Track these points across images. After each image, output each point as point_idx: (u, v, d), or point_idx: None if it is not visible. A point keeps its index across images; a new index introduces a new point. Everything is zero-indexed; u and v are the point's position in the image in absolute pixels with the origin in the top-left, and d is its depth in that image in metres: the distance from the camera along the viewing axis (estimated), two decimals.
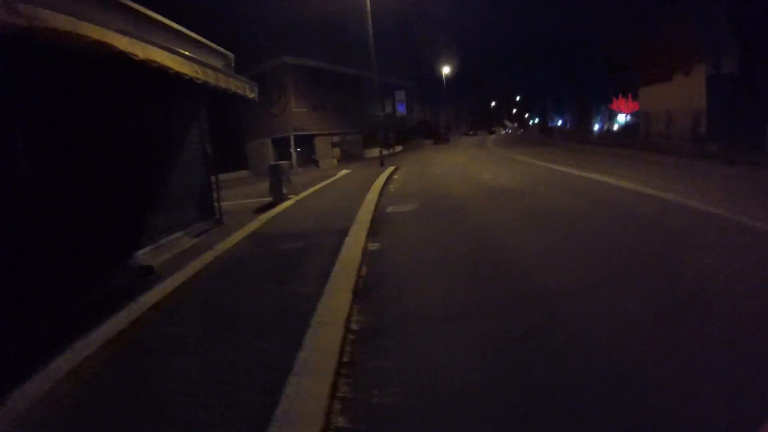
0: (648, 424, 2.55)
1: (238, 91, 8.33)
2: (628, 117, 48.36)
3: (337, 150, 34.15)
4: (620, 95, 50.45)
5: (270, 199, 11.91)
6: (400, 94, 38.03)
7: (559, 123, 69.69)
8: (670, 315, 3.85)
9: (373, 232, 7.96)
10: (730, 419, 2.50)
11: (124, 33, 4.83)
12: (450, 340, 3.76)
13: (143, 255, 6.67)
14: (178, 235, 7.87)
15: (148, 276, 5.94)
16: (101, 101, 6.16)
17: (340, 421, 2.84)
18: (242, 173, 31.15)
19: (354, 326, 4.15)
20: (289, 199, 12.00)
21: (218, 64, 8.78)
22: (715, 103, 24.60)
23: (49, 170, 5.09)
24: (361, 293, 5.01)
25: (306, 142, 33.19)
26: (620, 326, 3.70)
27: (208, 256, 6.78)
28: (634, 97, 41.41)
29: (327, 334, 3.71)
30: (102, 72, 5.83)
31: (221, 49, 9.45)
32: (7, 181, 4.47)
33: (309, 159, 32.49)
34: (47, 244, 4.88)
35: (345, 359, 3.56)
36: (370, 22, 23.01)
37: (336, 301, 4.45)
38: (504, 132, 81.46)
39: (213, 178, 9.53)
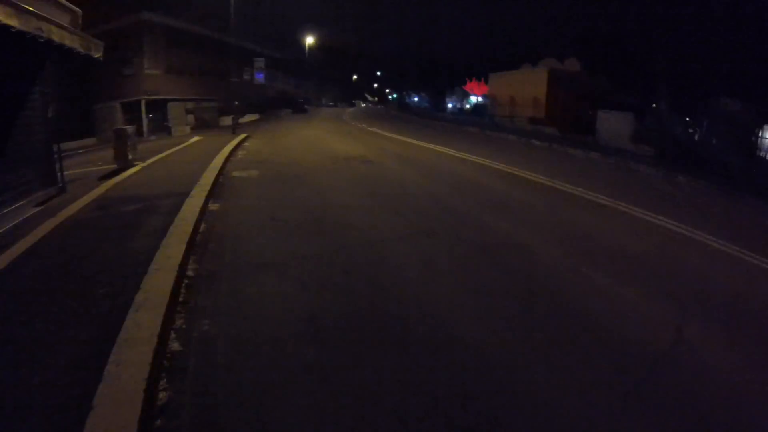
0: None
1: (81, 49, 7.98)
2: (480, 98, 52.95)
3: (191, 117, 32.45)
4: (473, 78, 54.97)
5: (115, 166, 11.50)
6: (259, 62, 37.17)
7: (416, 99, 73.36)
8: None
9: (215, 195, 8.46)
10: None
11: None
12: (276, 281, 4.56)
13: None
14: (21, 203, 7.50)
15: None
16: None
17: (174, 346, 3.47)
18: (89, 140, 28.28)
19: (190, 273, 4.76)
20: (135, 165, 11.65)
21: (64, 20, 8.29)
22: (552, 93, 28.38)
23: None
24: (198, 246, 5.61)
25: (159, 107, 31.03)
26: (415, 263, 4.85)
27: (51, 222, 6.65)
28: (486, 81, 45.48)
29: (162, 278, 4.22)
30: None
31: (68, 3, 8.86)
32: None
33: (162, 126, 30.50)
34: None
35: (181, 299, 4.15)
36: None
37: (172, 251, 4.94)
38: (363, 106, 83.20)
39: (56, 146, 9.05)
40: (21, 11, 6.01)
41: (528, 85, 30.65)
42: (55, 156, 9.09)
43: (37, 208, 7.70)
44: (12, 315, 3.75)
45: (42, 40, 6.47)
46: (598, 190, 9.44)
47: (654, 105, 21.23)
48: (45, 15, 6.78)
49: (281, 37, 56.78)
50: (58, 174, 9.13)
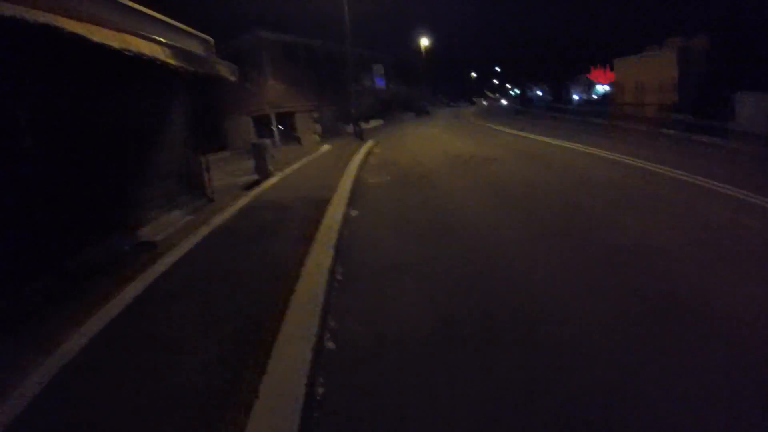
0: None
1: (221, 74, 8.94)
2: (606, 87, 49.45)
3: (318, 126, 34.38)
4: (598, 65, 51.48)
5: (256, 176, 12.58)
6: (378, 68, 38.23)
7: (539, 93, 70.36)
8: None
9: (353, 201, 8.79)
10: None
11: (111, 23, 5.44)
12: (414, 282, 4.74)
13: (146, 231, 7.41)
14: (176, 213, 8.58)
15: (153, 250, 6.69)
16: (97, 88, 6.84)
17: (330, 345, 3.74)
18: (224, 154, 31.20)
19: (338, 276, 5.08)
20: (274, 175, 12.69)
21: (199, 49, 9.36)
22: (685, 75, 25.63)
23: (53, 152, 5.80)
24: (343, 251, 5.93)
25: (287, 119, 33.29)
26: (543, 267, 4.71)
27: (205, 229, 7.50)
28: (612, 68, 42.33)
29: (314, 282, 4.56)
30: (107, 66, 6.52)
31: (201, 34, 9.96)
32: (18, 157, 5.20)
33: (291, 136, 32.70)
34: (59, 214, 5.65)
35: (331, 301, 4.45)
36: None
37: (321, 256, 5.30)
38: (485, 103, 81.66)
39: (203, 159, 10.20)
40: (171, 49, 6.89)
41: (656, 69, 27.87)
42: (203, 168, 10.19)
43: (190, 217, 8.69)
44: (176, 317, 4.31)
45: (183, 71, 7.35)
46: (741, 185, 7.94)
47: None
48: (190, 49, 7.69)
49: (394, 40, 57.87)
50: (207, 185, 10.22)
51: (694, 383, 2.86)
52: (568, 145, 13.80)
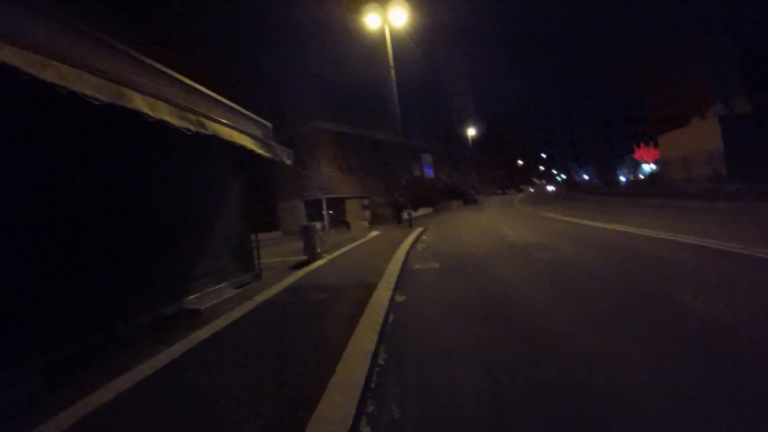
0: None
1: (277, 158, 9.40)
2: (653, 165, 48.55)
3: (368, 212, 35.19)
4: (641, 144, 50.96)
5: (305, 257, 12.75)
6: (426, 157, 39.29)
7: (585, 177, 69.90)
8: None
9: (399, 287, 8.65)
10: None
11: (174, 105, 5.90)
12: (462, 371, 4.41)
13: (191, 299, 7.54)
14: (222, 285, 8.74)
15: (197, 318, 6.76)
16: (161, 163, 7.42)
17: (366, 430, 3.50)
18: (275, 234, 32.23)
19: (380, 361, 4.86)
20: (322, 257, 12.84)
21: (258, 132, 10.00)
22: (730, 143, 24.85)
23: (113, 219, 6.19)
24: (387, 335, 5.74)
25: (337, 204, 34.36)
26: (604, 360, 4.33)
27: (250, 304, 7.60)
28: (655, 145, 41.80)
29: (356, 364, 4.39)
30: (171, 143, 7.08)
31: (261, 119, 10.68)
32: (80, 224, 5.57)
33: (340, 221, 33.52)
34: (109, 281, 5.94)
35: (372, 385, 4.22)
36: (395, 89, 24.64)
37: (364, 339, 5.15)
38: (532, 190, 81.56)
39: (253, 236, 10.50)
40: (241, 132, 7.42)
41: (699, 140, 27.25)
42: (253, 246, 10.47)
43: (236, 290, 8.81)
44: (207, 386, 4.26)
45: (248, 149, 7.85)
46: None
47: None
48: (251, 132, 8.24)
49: (444, 129, 59.96)
50: (255, 262, 10.44)
51: None
52: (620, 228, 13.34)
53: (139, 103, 4.87)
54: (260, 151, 8.39)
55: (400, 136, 25.03)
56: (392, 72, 24.55)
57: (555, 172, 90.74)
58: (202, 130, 6.09)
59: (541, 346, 4.85)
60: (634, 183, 49.15)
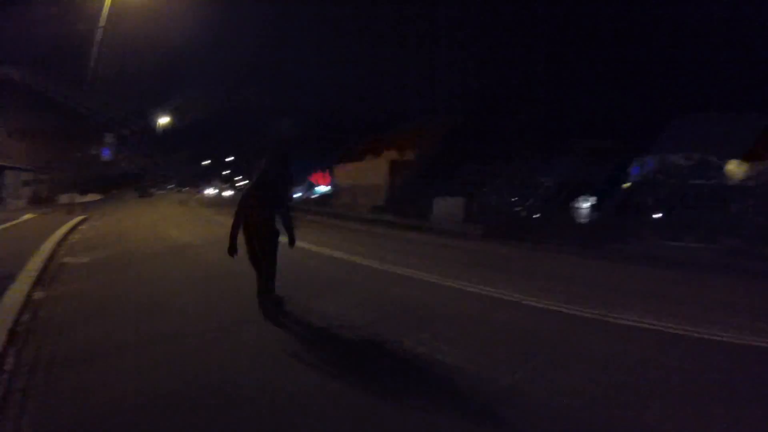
0: None
1: None
2: (327, 188, 56.56)
3: (27, 190, 29.94)
4: (318, 170, 59.16)
5: None
6: (109, 137, 35.16)
7: None
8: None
9: (42, 281, 7.82)
10: None
11: None
12: (100, 371, 4.32)
13: None
14: None
15: None
16: None
17: None
18: None
19: (6, 366, 4.30)
20: None
21: None
22: (393, 182, 31.94)
23: None
24: (21, 336, 5.15)
25: None
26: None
27: None
28: (331, 173, 49.61)
29: None
30: None
31: None
32: None
33: None
34: None
35: None
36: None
37: None
38: (214, 192, 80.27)
39: None
40: None
41: (369, 176, 34.37)
42: None
43: None
44: None
45: None
46: (422, 267, 9.27)
47: (485, 189, 24.44)
48: None
49: (139, 109, 53.72)
50: None
51: None
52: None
53: None
54: None
55: (85, 104, 21.80)
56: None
57: (240, 177, 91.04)
58: None
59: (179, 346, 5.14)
60: (305, 201, 56.09)
